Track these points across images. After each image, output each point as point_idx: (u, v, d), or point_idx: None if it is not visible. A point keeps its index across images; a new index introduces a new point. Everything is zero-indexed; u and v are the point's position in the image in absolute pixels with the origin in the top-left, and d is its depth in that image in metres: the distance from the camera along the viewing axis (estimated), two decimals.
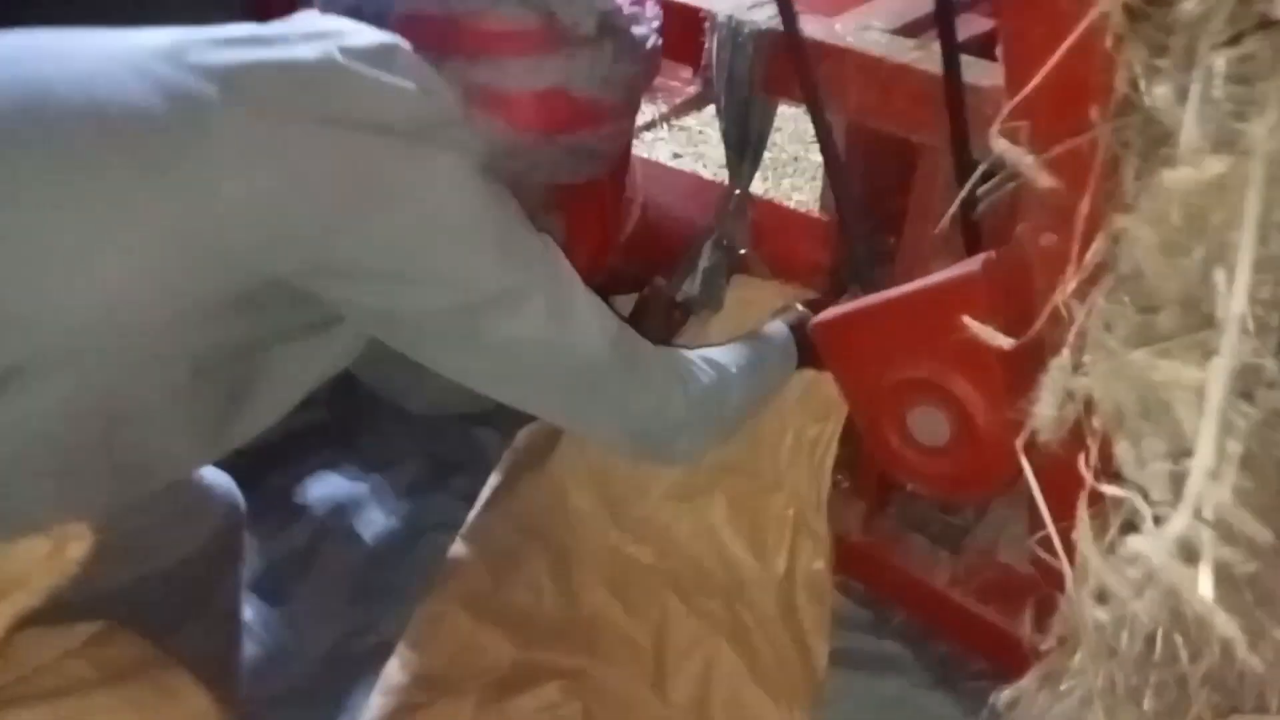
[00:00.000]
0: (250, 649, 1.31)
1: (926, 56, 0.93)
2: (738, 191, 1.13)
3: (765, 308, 1.15)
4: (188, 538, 0.90)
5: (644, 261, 1.36)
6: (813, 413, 1.19)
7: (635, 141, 1.42)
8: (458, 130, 0.74)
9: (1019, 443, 0.67)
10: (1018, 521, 1.10)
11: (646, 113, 1.53)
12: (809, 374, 1.11)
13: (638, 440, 0.90)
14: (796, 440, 1.20)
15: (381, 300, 0.72)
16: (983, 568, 1.12)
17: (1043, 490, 0.62)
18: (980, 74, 0.88)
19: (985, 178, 0.75)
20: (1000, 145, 0.65)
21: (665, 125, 1.48)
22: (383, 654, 1.28)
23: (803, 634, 1.17)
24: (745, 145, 1.07)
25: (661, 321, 1.19)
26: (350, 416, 1.61)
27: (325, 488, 1.52)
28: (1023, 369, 0.70)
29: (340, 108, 0.68)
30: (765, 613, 1.18)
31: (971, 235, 0.90)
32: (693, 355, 0.96)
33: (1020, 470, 0.67)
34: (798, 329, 1.08)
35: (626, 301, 1.25)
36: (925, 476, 0.98)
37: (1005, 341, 0.70)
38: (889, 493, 1.24)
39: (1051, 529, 0.60)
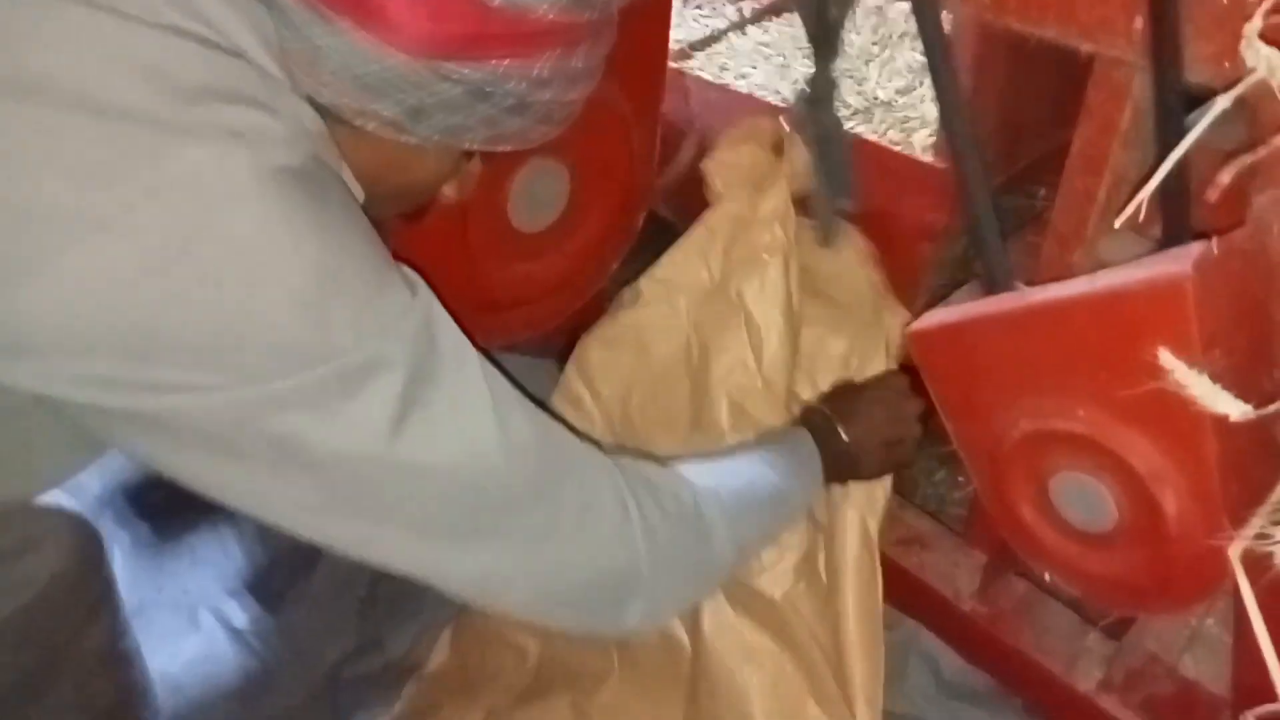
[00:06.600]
0: (243, 660, 1.22)
1: None
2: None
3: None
4: (20, 583, 0.72)
5: (700, 210, 1.05)
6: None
7: (701, 56, 1.09)
8: (270, 103, 0.47)
9: (1233, 550, 0.50)
10: (1219, 623, 0.76)
11: (719, 17, 1.18)
12: None
13: (556, 607, 0.62)
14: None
15: (87, 391, 0.45)
16: (1153, 676, 0.78)
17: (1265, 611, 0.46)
18: None
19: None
20: (1260, 56, 0.35)
21: (742, 33, 1.13)
22: (389, 677, 1.16)
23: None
24: (820, 37, 0.74)
25: None
26: None
27: None
28: (1252, 445, 0.52)
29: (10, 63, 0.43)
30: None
31: (1175, 208, 0.55)
32: (664, 471, 0.67)
33: (1224, 581, 0.52)
34: (823, 435, 0.79)
35: None
36: (1072, 571, 0.65)
37: (1234, 408, 0.47)
38: None
39: (1277, 675, 0.46)
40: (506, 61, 0.49)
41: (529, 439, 0.55)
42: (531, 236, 0.88)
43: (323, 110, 0.51)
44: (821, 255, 0.87)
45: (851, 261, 0.87)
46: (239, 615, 1.24)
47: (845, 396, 0.83)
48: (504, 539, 0.56)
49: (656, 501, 0.63)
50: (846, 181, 0.82)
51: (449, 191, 0.63)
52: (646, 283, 0.92)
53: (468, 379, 0.52)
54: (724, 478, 0.71)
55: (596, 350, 0.94)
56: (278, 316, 0.45)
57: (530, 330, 0.96)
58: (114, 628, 0.86)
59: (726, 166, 0.89)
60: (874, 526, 0.84)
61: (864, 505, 0.84)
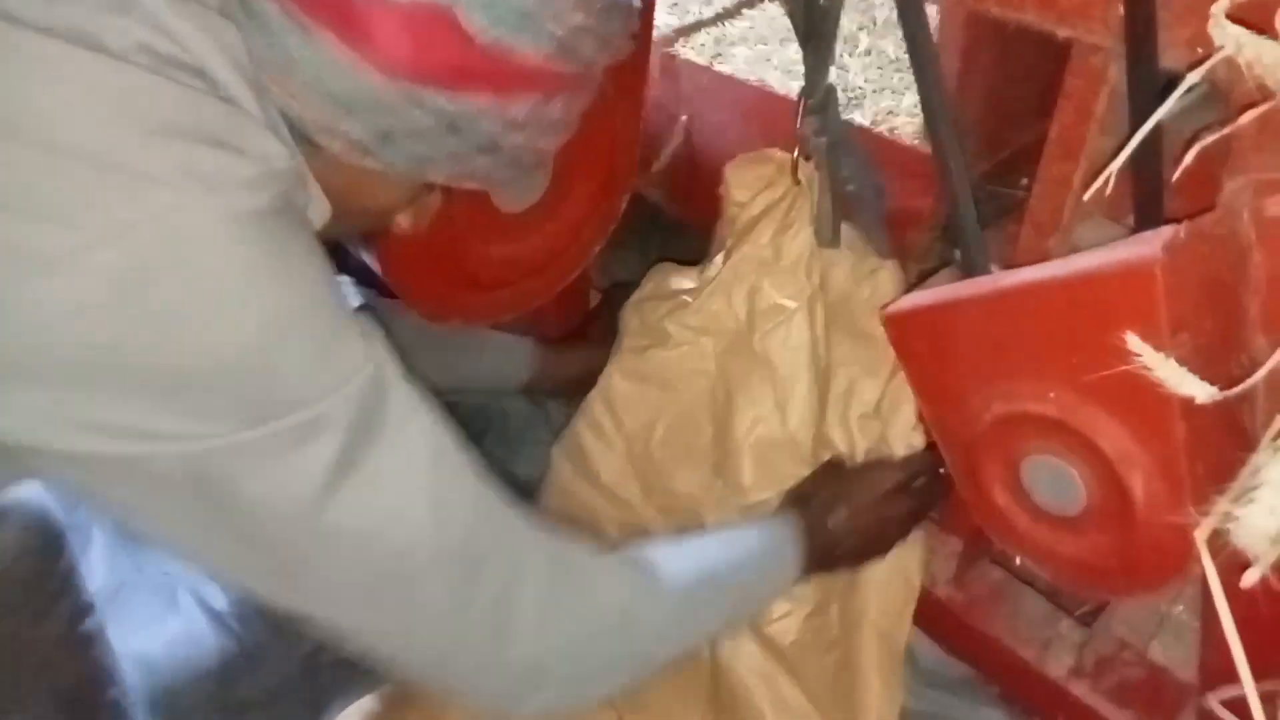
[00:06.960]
0: (222, 642, 1.23)
1: None
2: (806, 101, 0.78)
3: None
4: None
5: (689, 197, 1.09)
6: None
7: (685, 41, 1.08)
8: (238, 143, 0.45)
9: (1200, 533, 0.47)
10: (1188, 609, 0.77)
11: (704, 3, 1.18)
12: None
13: (453, 682, 0.60)
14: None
15: (25, 422, 0.44)
16: (1123, 662, 0.79)
17: (1230, 598, 0.44)
18: None
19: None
20: (1228, 34, 0.35)
21: (735, 17, 1.12)
22: (368, 662, 1.13)
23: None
24: (811, 31, 0.73)
25: None
26: None
27: None
28: (1220, 429, 0.51)
29: None
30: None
31: (1148, 193, 0.55)
32: (606, 562, 0.65)
33: (1190, 564, 0.54)
34: (808, 527, 0.78)
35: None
36: (1042, 554, 0.65)
37: (1200, 390, 0.46)
38: None
39: (1240, 659, 0.43)
40: (483, 98, 0.49)
41: (462, 510, 0.54)
42: (514, 216, 0.88)
43: (292, 131, 0.50)
44: (857, 282, 0.86)
45: (887, 289, 0.86)
46: (219, 597, 1.23)
47: (837, 483, 0.83)
48: (413, 606, 0.54)
49: (589, 592, 0.61)
50: (874, 185, 0.81)
51: (403, 222, 0.62)
52: (675, 327, 0.92)
53: (409, 442, 0.51)
54: (684, 566, 0.69)
55: (622, 382, 0.95)
56: (226, 367, 0.44)
57: (512, 310, 0.96)
58: (75, 611, 0.84)
59: (747, 175, 0.89)
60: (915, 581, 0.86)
61: (905, 557, 0.86)
